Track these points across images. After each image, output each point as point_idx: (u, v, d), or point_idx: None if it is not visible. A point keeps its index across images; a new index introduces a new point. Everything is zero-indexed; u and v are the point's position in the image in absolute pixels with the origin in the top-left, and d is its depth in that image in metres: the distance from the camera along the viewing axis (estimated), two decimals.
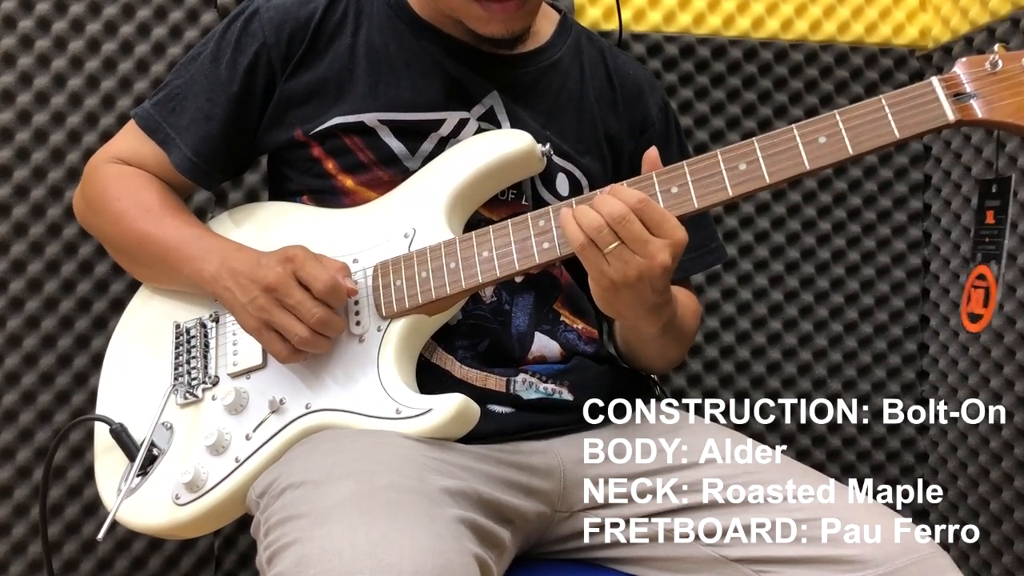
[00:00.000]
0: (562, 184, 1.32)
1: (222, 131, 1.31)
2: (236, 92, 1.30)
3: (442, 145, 1.28)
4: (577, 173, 1.34)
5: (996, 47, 1.01)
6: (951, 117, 1.00)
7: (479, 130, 1.29)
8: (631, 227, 1.04)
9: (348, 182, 1.29)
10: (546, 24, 1.39)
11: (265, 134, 1.33)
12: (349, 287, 1.16)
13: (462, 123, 1.29)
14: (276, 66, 1.29)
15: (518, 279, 1.26)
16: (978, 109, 1.00)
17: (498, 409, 1.22)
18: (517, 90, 1.32)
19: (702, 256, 1.43)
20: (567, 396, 1.27)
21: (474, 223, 1.25)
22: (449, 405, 1.11)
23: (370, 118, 1.27)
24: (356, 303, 1.19)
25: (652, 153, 1.12)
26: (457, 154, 1.25)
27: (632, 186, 1.10)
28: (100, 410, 1.31)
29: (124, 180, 1.34)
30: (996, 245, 1.21)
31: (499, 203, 1.28)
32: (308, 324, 1.13)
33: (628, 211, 1.04)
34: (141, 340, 1.34)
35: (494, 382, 1.23)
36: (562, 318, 1.31)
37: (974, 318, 1.25)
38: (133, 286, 1.68)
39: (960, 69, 1.02)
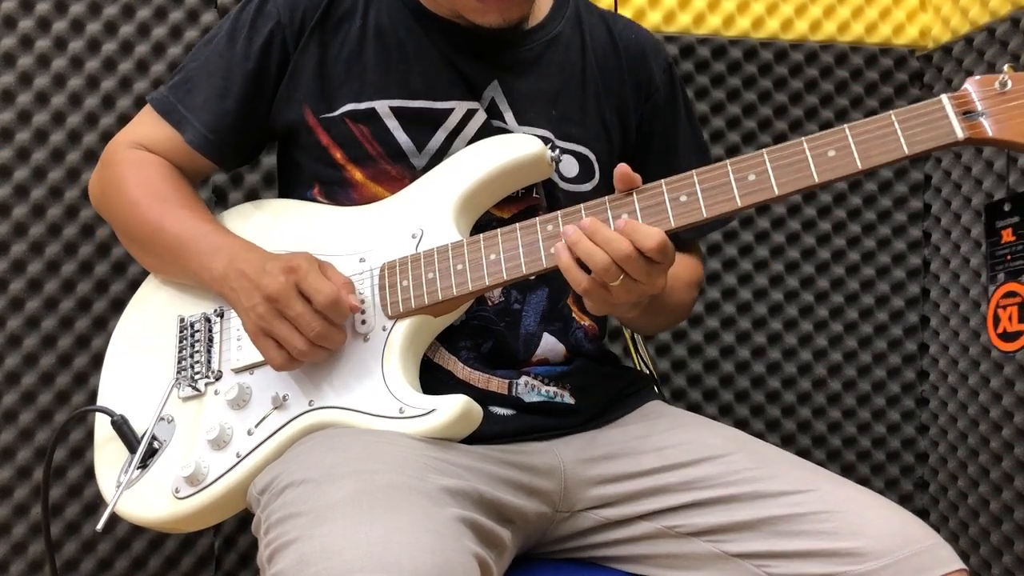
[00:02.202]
0: (571, 166, 1.33)
1: (237, 108, 1.32)
2: (252, 69, 1.31)
3: (450, 140, 1.28)
4: (583, 150, 1.34)
5: (1005, 67, 1.02)
6: (960, 135, 1.01)
7: (486, 122, 1.29)
8: (640, 264, 1.05)
9: (357, 174, 1.29)
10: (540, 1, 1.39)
11: (278, 112, 1.33)
12: (352, 304, 1.15)
13: (470, 114, 1.29)
14: (289, 43, 1.30)
15: (532, 278, 1.26)
16: (988, 127, 1.01)
17: (499, 411, 1.22)
18: (520, 70, 1.33)
19: None
20: (568, 399, 1.27)
21: (483, 221, 1.25)
22: (453, 406, 1.11)
23: (381, 105, 1.28)
24: (362, 302, 1.19)
25: (623, 169, 1.11)
26: (467, 156, 1.25)
27: (642, 193, 1.10)
28: (101, 402, 1.31)
29: (141, 168, 1.34)
30: None
31: (509, 199, 1.28)
32: (307, 337, 1.13)
33: (638, 253, 1.04)
34: (144, 333, 1.34)
35: (496, 384, 1.23)
36: (573, 314, 1.32)
37: (1010, 337, 1.24)
38: (133, 286, 1.69)
39: (971, 87, 1.03)
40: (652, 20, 1.96)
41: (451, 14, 1.30)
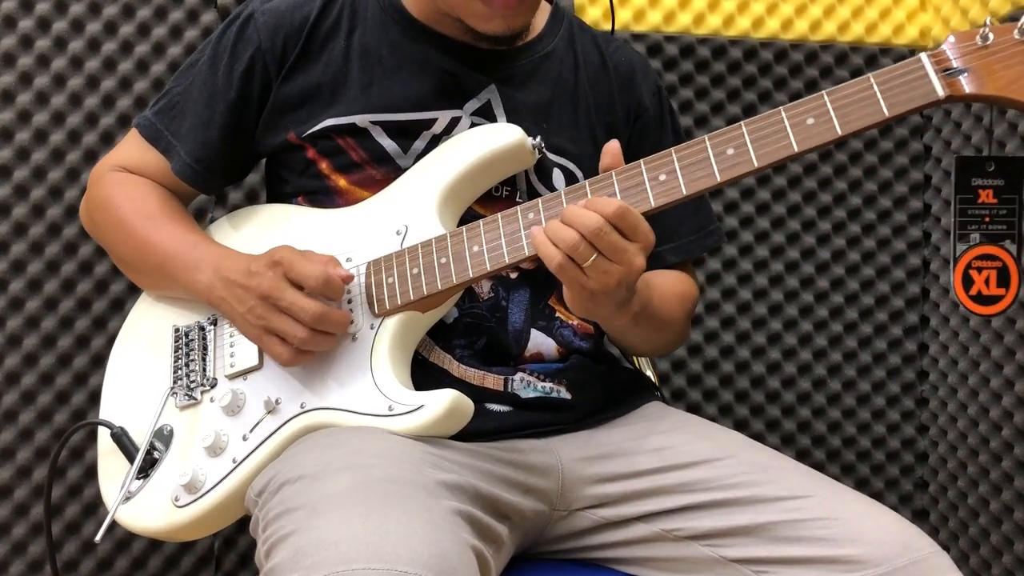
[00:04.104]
0: (558, 179, 1.32)
1: (221, 136, 1.32)
2: (234, 98, 1.31)
3: (435, 143, 1.28)
4: (571, 166, 1.33)
5: (988, 19, 0.99)
6: (941, 93, 0.98)
7: (472, 126, 1.29)
8: (609, 238, 1.03)
9: (341, 182, 1.29)
10: (539, 15, 1.39)
11: (262, 137, 1.33)
12: (343, 275, 1.16)
13: (454, 121, 1.29)
14: (271, 70, 1.30)
15: (513, 275, 1.26)
16: (967, 84, 0.98)
17: (496, 408, 1.22)
18: (513, 84, 1.32)
19: (701, 239, 1.42)
20: (565, 395, 1.27)
21: (468, 221, 1.24)
22: (441, 401, 1.11)
23: (362, 119, 1.27)
24: (350, 302, 1.20)
25: (612, 146, 1.11)
26: (448, 150, 1.25)
27: (621, 175, 1.09)
28: (103, 414, 1.32)
29: (126, 188, 1.35)
30: (1008, 224, 1.20)
31: (493, 200, 1.28)
32: (305, 323, 1.13)
33: (604, 222, 1.03)
34: (142, 344, 1.34)
35: (492, 381, 1.23)
36: (557, 313, 1.31)
37: (986, 300, 1.23)
38: (133, 287, 1.69)
39: (949, 45, 1.00)
40: (652, 20, 1.96)
41: (447, 26, 1.29)
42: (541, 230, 1.07)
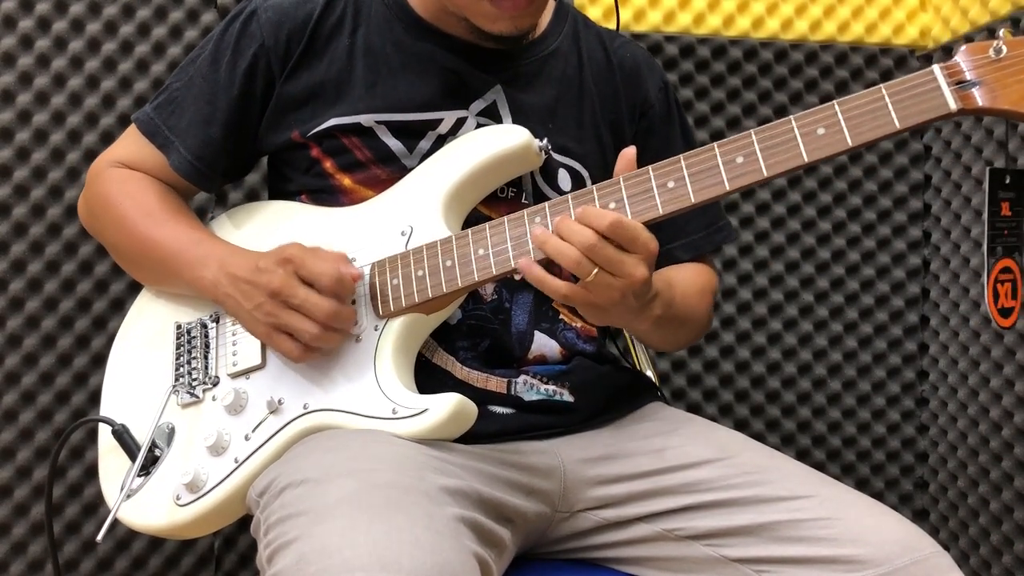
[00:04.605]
0: (564, 180, 1.32)
1: (223, 134, 1.31)
2: (236, 95, 1.30)
3: (440, 143, 1.27)
4: (578, 167, 1.33)
5: (1001, 32, 0.98)
6: (953, 106, 0.97)
7: (478, 127, 1.28)
8: (605, 252, 1.03)
9: (346, 181, 1.29)
10: (544, 13, 1.37)
11: (265, 135, 1.32)
12: (353, 273, 1.15)
13: (460, 122, 1.28)
14: (275, 68, 1.29)
15: (516, 277, 1.26)
16: (981, 97, 0.97)
17: (499, 410, 1.22)
18: (518, 83, 1.32)
19: (711, 235, 1.42)
20: (568, 397, 1.26)
21: (473, 221, 1.24)
22: (445, 405, 1.11)
23: (367, 119, 1.26)
24: (353, 302, 1.19)
25: (628, 152, 1.11)
26: (454, 150, 1.25)
27: (629, 180, 1.09)
28: (104, 411, 1.31)
29: (125, 184, 1.34)
30: (1017, 237, 1.19)
31: (499, 201, 1.28)
32: (318, 320, 1.13)
33: (599, 239, 1.02)
34: (144, 341, 1.34)
35: (495, 383, 1.23)
36: (561, 316, 1.31)
37: (1006, 312, 1.23)
38: (133, 286, 1.69)
39: (962, 57, 0.99)
40: (652, 20, 1.96)
41: (453, 25, 1.28)
42: (536, 266, 1.06)
